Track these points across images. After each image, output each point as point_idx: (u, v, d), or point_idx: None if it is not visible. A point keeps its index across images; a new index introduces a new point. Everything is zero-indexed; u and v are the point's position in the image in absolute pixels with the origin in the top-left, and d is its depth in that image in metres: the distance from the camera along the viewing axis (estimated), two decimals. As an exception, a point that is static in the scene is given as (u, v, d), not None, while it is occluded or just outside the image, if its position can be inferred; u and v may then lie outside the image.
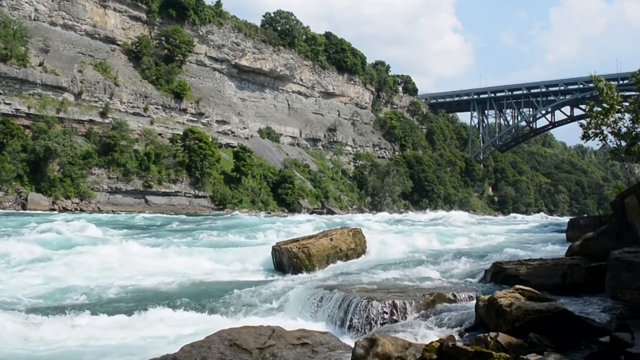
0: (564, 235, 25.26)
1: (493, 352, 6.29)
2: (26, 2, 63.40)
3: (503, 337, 6.90)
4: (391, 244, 20.82)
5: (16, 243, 19.51)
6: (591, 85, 46.30)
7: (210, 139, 73.46)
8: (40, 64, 59.97)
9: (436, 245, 20.86)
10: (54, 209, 51.48)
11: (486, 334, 7.07)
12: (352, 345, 7.47)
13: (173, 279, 14.39)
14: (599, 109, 25.43)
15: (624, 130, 25.07)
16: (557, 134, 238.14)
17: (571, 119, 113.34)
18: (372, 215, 60.09)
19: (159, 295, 12.59)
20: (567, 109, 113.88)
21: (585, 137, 25.82)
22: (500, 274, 12.68)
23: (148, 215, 46.88)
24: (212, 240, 23.64)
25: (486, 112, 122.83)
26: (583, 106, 76.45)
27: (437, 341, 6.81)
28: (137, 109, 68.78)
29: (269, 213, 67.79)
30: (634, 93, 39.68)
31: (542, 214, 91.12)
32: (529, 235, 29.88)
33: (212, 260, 18.09)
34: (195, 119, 76.35)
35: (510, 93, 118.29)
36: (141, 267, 16.14)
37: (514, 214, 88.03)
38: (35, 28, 62.86)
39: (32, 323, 10.30)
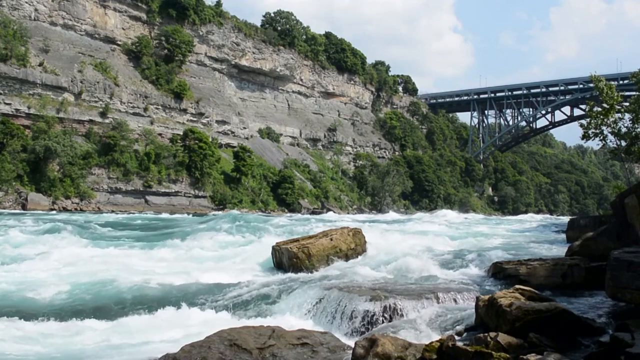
0: (564, 235, 25.30)
1: (493, 352, 6.30)
2: (26, 2, 63.37)
3: (503, 337, 6.90)
4: (391, 245, 20.82)
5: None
6: (591, 85, 46.32)
7: (210, 139, 73.42)
8: (40, 64, 59.94)
9: (436, 246, 20.84)
10: (53, 209, 51.47)
11: (486, 334, 7.07)
12: (352, 345, 7.47)
13: (169, 278, 14.37)
14: (599, 109, 25.39)
15: (624, 130, 25.03)
16: (557, 134, 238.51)
17: (571, 119, 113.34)
18: (361, 216, 60.51)
19: (156, 296, 12.59)
20: (567, 109, 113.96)
21: (585, 137, 25.77)
22: (500, 274, 12.70)
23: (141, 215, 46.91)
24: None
25: (486, 112, 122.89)
26: (583, 106, 76.51)
27: (437, 341, 6.81)
28: (137, 109, 68.77)
29: (269, 213, 67.79)
30: (634, 93, 39.69)
31: (531, 214, 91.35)
32: (529, 235, 29.90)
33: (212, 258, 18.13)
34: (195, 119, 76.34)
35: (510, 93, 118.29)
36: (129, 267, 16.12)
37: (497, 216, 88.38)
38: (35, 28, 62.82)
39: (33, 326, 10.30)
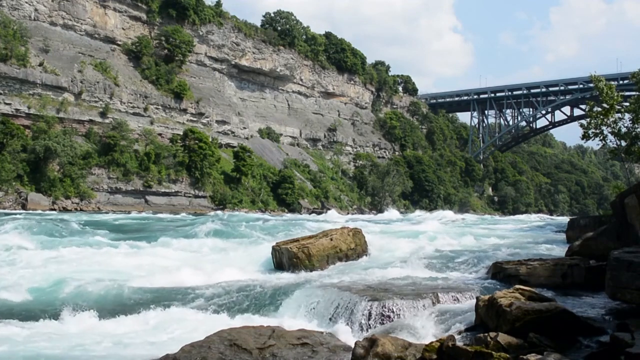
0: (564, 235, 25.29)
1: (493, 352, 6.30)
2: (26, 2, 63.37)
3: (503, 337, 6.90)
4: (392, 245, 20.83)
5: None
6: (591, 85, 46.27)
7: (210, 139, 73.41)
8: (40, 64, 59.93)
9: (436, 246, 20.84)
10: (54, 209, 51.49)
11: (486, 334, 7.07)
12: (352, 345, 7.47)
13: (168, 278, 14.34)
14: (599, 109, 25.35)
15: (624, 130, 25.00)
16: (557, 134, 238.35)
17: (571, 119, 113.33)
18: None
19: (156, 295, 12.58)
20: (567, 109, 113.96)
21: (585, 137, 25.74)
22: (500, 274, 12.69)
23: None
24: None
25: (486, 112, 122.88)
26: (583, 106, 76.49)
27: (437, 341, 6.82)
28: (137, 109, 68.76)
29: (269, 213, 67.77)
30: (634, 93, 39.66)
31: (527, 215, 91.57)
32: (529, 235, 29.89)
33: (213, 258, 18.11)
34: (195, 119, 76.34)
35: (510, 93, 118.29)
36: (126, 266, 16.05)
37: (491, 216, 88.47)
38: (35, 28, 62.81)
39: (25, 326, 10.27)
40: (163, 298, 12.20)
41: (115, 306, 11.70)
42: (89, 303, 11.61)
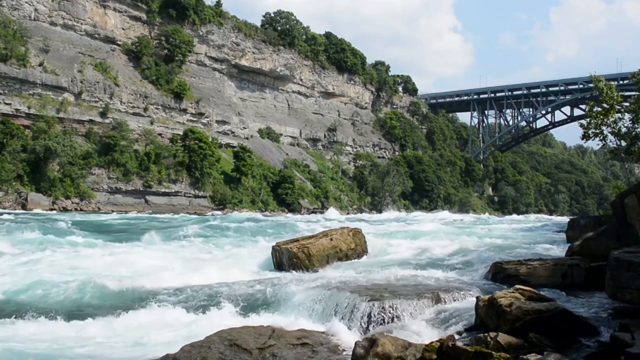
0: (564, 235, 25.28)
1: (493, 352, 6.30)
2: (26, 2, 63.39)
3: (503, 337, 6.90)
4: (392, 245, 20.84)
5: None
6: (591, 85, 46.27)
7: (210, 139, 73.45)
8: (40, 64, 59.96)
9: (437, 246, 20.81)
10: (53, 209, 51.51)
11: (486, 334, 7.07)
12: (352, 345, 7.47)
13: (168, 278, 14.32)
14: (599, 109, 25.32)
15: (624, 130, 24.97)
16: (557, 134, 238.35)
17: (571, 119, 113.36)
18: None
19: (155, 295, 12.56)
20: (567, 109, 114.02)
21: (585, 137, 25.70)
22: (500, 274, 12.68)
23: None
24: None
25: (486, 112, 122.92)
26: (583, 106, 76.52)
27: (437, 341, 6.82)
28: (137, 109, 68.78)
29: (269, 213, 67.79)
30: (634, 93, 39.68)
31: (524, 215, 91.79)
32: (529, 235, 29.89)
33: (212, 259, 18.09)
34: (195, 119, 76.36)
35: (510, 93, 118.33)
36: (128, 266, 15.99)
37: (487, 215, 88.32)
38: (35, 28, 62.84)
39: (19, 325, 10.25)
40: (150, 298, 12.06)
41: (96, 307, 11.58)
42: (61, 305, 11.39)
